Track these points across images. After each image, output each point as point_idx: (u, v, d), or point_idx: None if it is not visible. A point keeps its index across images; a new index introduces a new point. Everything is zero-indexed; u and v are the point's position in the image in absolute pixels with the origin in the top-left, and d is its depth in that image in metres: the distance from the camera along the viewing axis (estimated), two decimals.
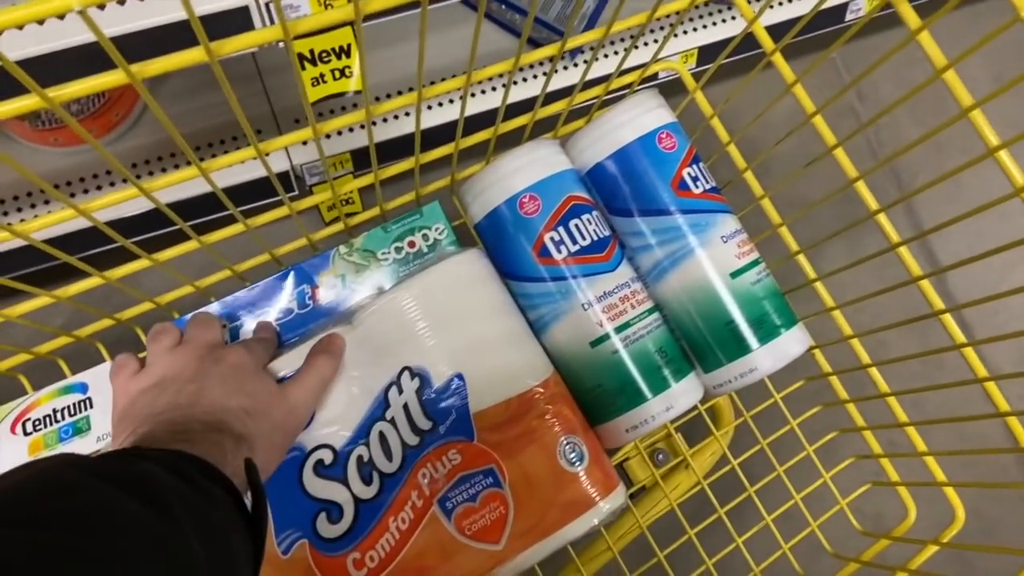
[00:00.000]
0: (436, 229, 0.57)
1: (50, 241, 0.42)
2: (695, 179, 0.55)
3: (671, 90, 0.61)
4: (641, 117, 0.55)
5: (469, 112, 0.91)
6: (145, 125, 0.86)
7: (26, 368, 0.55)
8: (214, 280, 0.56)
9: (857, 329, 0.57)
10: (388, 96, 0.92)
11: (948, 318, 0.47)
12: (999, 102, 0.37)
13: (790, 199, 1.01)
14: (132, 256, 0.47)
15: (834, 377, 0.61)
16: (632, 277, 0.54)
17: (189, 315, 0.53)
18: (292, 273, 0.55)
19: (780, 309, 0.54)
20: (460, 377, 0.51)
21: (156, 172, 0.83)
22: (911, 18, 0.38)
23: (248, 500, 0.37)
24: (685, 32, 1.00)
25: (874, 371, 0.57)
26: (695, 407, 0.58)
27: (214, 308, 0.54)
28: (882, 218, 0.47)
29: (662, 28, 1.00)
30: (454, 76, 0.92)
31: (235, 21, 0.56)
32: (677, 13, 0.47)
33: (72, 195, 0.80)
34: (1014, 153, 0.39)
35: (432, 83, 0.91)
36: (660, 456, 0.80)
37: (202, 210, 0.84)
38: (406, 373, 0.51)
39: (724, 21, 1.03)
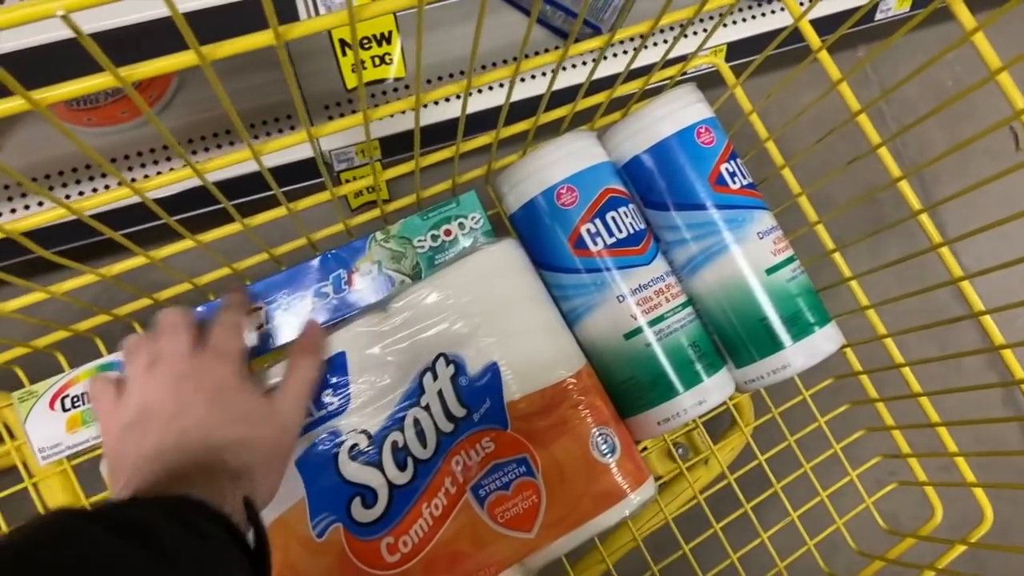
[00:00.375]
0: (472, 218, 0.57)
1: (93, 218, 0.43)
2: (733, 175, 0.55)
3: (703, 85, 0.61)
4: (680, 112, 0.55)
5: (497, 103, 0.91)
6: (177, 108, 0.86)
7: (62, 346, 0.55)
8: (251, 263, 0.56)
9: (876, 331, 0.57)
10: (429, 83, 0.92)
11: (988, 319, 0.47)
12: None
13: (815, 198, 1.01)
14: (164, 237, 0.47)
15: (864, 376, 0.61)
16: (667, 271, 0.55)
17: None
18: (329, 258, 0.55)
19: (814, 306, 0.54)
20: (495, 365, 0.51)
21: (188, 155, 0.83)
22: (966, 18, 0.38)
23: (251, 536, 0.37)
24: (706, 31, 1.00)
25: (907, 371, 0.57)
26: (725, 402, 0.58)
27: (251, 290, 0.55)
28: (924, 218, 0.47)
29: (701, 20, 0.99)
30: (483, 67, 0.92)
31: (281, 8, 0.56)
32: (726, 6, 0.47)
33: (104, 175, 0.81)
34: None
35: (457, 74, 0.92)
36: (680, 451, 0.81)
37: (229, 194, 0.85)
38: (441, 360, 0.52)
39: (754, 18, 1.02)
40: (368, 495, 0.50)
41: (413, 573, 0.49)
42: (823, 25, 0.94)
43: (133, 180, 0.82)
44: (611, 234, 0.53)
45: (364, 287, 0.56)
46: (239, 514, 0.38)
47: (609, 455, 0.51)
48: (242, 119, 0.85)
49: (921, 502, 0.64)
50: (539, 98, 0.91)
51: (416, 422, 0.51)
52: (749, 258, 0.53)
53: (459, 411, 0.51)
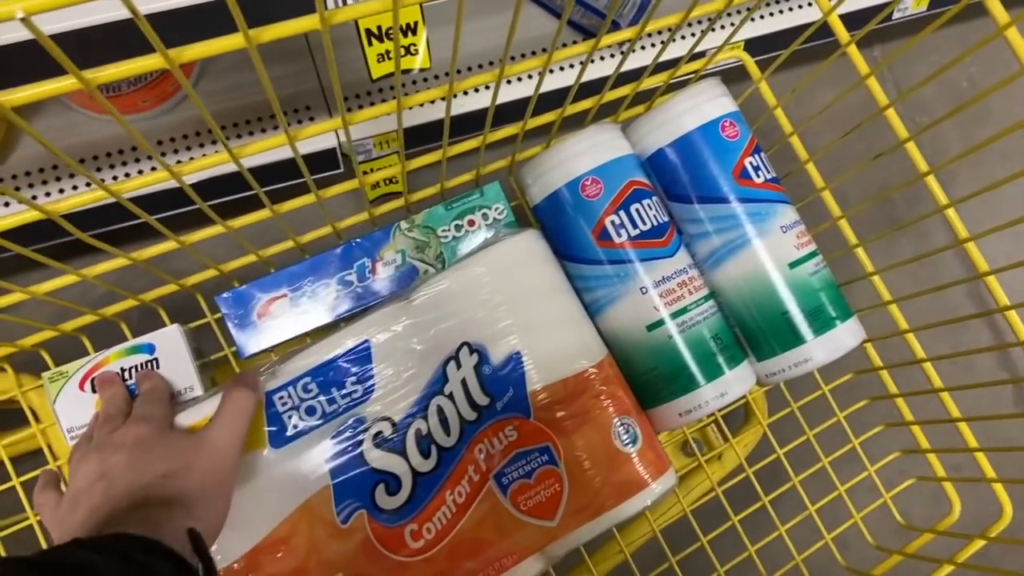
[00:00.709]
0: (496, 209, 0.58)
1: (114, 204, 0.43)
2: (756, 169, 0.55)
3: (724, 80, 0.61)
4: (705, 105, 0.55)
5: (522, 95, 0.92)
6: (200, 96, 0.86)
7: (85, 331, 0.56)
8: (275, 251, 0.56)
9: (899, 327, 0.57)
10: (447, 76, 0.93)
11: (1013, 315, 0.47)
12: None
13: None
14: (183, 226, 0.47)
15: (884, 371, 0.61)
16: (689, 263, 0.55)
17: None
18: (353, 246, 0.56)
19: (836, 301, 0.55)
20: (518, 354, 0.51)
21: (208, 144, 0.84)
22: (999, 13, 0.38)
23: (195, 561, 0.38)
24: (732, 24, 1.00)
25: (928, 366, 0.57)
26: (745, 395, 0.58)
27: (277, 277, 0.55)
28: (951, 212, 0.47)
29: (728, 15, 1.00)
30: (499, 60, 0.92)
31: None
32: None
33: (124, 163, 0.81)
34: None
35: (476, 67, 0.92)
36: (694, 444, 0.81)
37: (241, 185, 0.85)
38: (465, 348, 0.52)
39: (771, 15, 1.02)
40: (392, 482, 0.50)
41: (436, 560, 0.49)
42: (845, 22, 0.94)
43: (153, 169, 0.83)
44: (635, 226, 0.53)
45: (388, 276, 0.56)
46: (179, 542, 0.38)
47: (631, 445, 0.51)
48: (258, 111, 0.85)
49: (932, 501, 0.64)
50: (560, 91, 0.91)
51: (440, 410, 0.51)
52: (772, 252, 0.54)
53: (482, 400, 0.51)
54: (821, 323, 0.54)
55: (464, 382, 0.52)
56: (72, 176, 0.81)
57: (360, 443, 0.51)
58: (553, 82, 0.93)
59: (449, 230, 0.57)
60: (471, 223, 0.57)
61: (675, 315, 0.53)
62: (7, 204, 0.80)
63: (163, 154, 0.83)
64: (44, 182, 0.81)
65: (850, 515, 0.63)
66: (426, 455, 0.51)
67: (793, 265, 0.54)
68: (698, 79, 0.56)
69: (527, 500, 0.50)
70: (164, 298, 0.56)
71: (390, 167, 0.53)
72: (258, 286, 0.55)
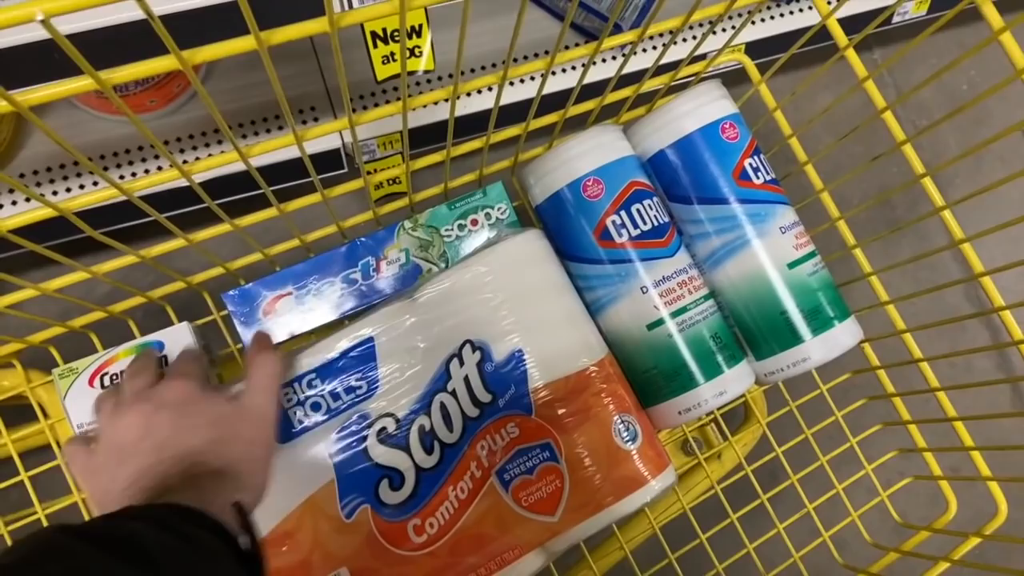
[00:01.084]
0: (499, 209, 0.58)
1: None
2: (756, 170, 0.56)
3: (725, 81, 0.62)
4: (705, 107, 0.56)
5: (524, 96, 0.92)
6: (200, 99, 0.87)
7: (93, 328, 0.56)
8: (281, 249, 0.57)
9: (896, 327, 0.58)
10: (451, 77, 0.93)
11: (1008, 315, 0.48)
12: None
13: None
14: (188, 225, 0.48)
15: (882, 371, 0.61)
16: (689, 263, 0.56)
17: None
18: (358, 245, 0.57)
19: (834, 301, 0.55)
20: (520, 352, 0.52)
21: (212, 144, 0.85)
22: (994, 18, 0.39)
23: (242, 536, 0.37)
24: (733, 27, 1.01)
25: (925, 366, 0.58)
26: (743, 394, 0.59)
27: (282, 276, 0.56)
28: (947, 214, 0.48)
29: (730, 18, 1.00)
30: (502, 62, 0.93)
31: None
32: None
33: (131, 163, 0.82)
34: None
35: (479, 69, 0.93)
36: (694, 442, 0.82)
37: (245, 185, 0.86)
38: (468, 346, 0.53)
39: (772, 18, 1.03)
40: (395, 477, 0.51)
41: (439, 554, 0.50)
42: (843, 25, 0.94)
43: (159, 168, 0.84)
44: (636, 226, 0.54)
45: (392, 274, 0.57)
46: (227, 513, 0.38)
47: (631, 442, 0.52)
48: (262, 111, 0.86)
49: (929, 500, 0.65)
50: (563, 92, 0.92)
51: (443, 407, 0.52)
52: (771, 252, 0.54)
53: (484, 397, 0.52)
54: (819, 323, 0.54)
55: (467, 379, 0.52)
56: (79, 175, 0.82)
57: (364, 439, 0.51)
58: (555, 84, 0.94)
59: (452, 229, 0.58)
60: (474, 223, 0.58)
61: (675, 314, 0.54)
62: (14, 203, 0.81)
63: (171, 153, 0.83)
64: (51, 181, 0.82)
65: (848, 513, 0.63)
66: (429, 451, 0.51)
67: (792, 265, 0.54)
68: (699, 81, 0.57)
69: (528, 496, 0.50)
70: (170, 296, 0.57)
71: (394, 167, 0.54)
72: (264, 284, 0.56)
